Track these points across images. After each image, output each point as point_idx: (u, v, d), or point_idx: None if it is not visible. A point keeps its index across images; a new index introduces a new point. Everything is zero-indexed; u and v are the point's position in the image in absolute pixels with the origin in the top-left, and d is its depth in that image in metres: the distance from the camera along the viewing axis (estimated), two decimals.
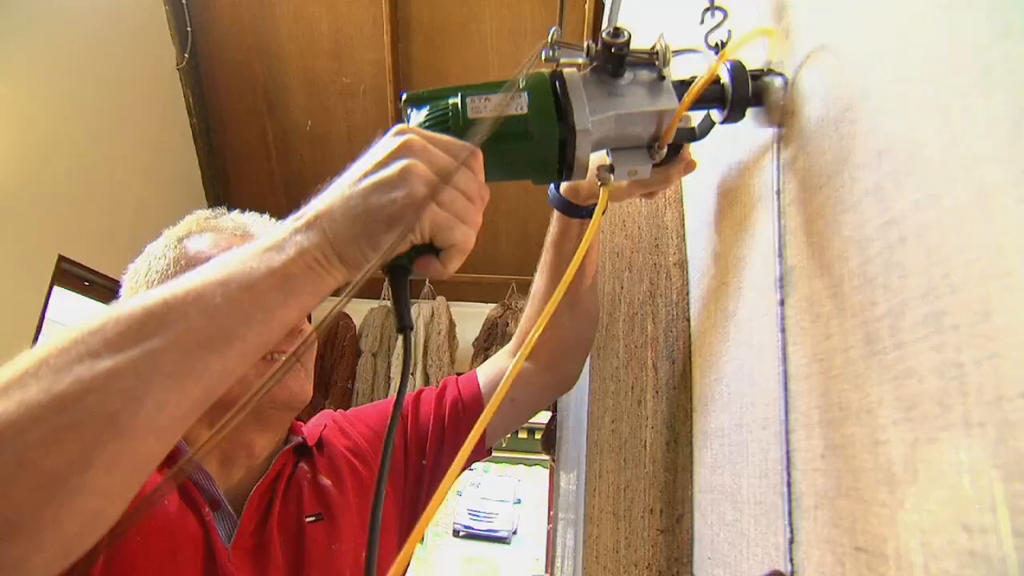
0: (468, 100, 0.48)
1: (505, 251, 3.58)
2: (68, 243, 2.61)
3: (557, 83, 0.49)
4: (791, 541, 0.38)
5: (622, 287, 1.18)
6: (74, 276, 2.73)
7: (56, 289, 2.62)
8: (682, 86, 0.49)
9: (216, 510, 0.65)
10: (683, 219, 0.74)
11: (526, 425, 3.87)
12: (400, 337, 0.39)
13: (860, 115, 0.33)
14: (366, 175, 0.44)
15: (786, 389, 0.40)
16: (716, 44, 0.49)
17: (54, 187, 2.55)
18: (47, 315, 2.58)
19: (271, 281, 0.41)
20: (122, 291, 0.72)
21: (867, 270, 0.31)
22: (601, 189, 0.53)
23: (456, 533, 13.15)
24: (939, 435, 0.26)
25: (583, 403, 1.85)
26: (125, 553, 0.57)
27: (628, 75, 0.49)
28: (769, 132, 0.45)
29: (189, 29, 3.20)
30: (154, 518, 0.59)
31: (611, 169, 0.52)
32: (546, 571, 3.92)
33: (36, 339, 2.53)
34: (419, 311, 3.19)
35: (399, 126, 0.46)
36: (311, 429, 0.82)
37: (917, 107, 0.28)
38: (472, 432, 0.35)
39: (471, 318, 3.35)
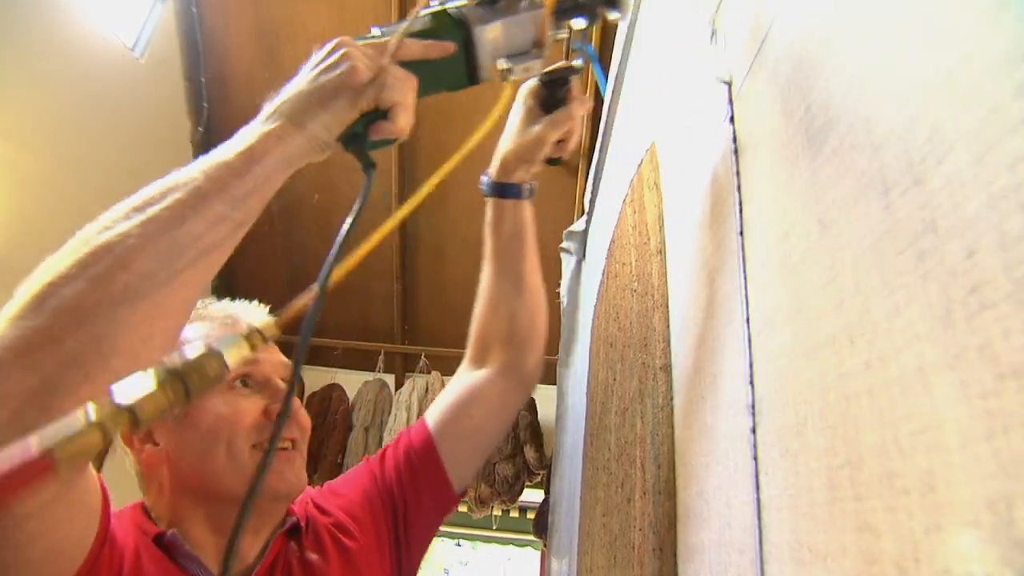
0: (382, 29, 0.61)
1: None
2: None
3: (449, 10, 0.63)
4: None
5: (615, 379, 1.19)
6: None
7: None
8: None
9: None
10: (668, 324, 0.76)
11: (519, 503, 3.78)
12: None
13: (814, 269, 0.35)
14: (311, 69, 0.56)
15: (759, 518, 0.41)
16: None
17: None
18: None
19: (242, 157, 0.51)
20: None
21: (827, 417, 0.33)
22: (507, 87, 0.67)
23: None
24: None
25: (576, 488, 1.82)
26: None
27: (502, 2, 0.63)
28: (738, 262, 0.47)
29: (205, 105, 3.33)
30: None
31: (510, 71, 0.64)
32: None
33: None
34: (414, 385, 3.17)
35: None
36: (297, 506, 0.81)
37: (865, 275, 0.30)
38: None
39: None
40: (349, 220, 0.55)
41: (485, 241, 0.88)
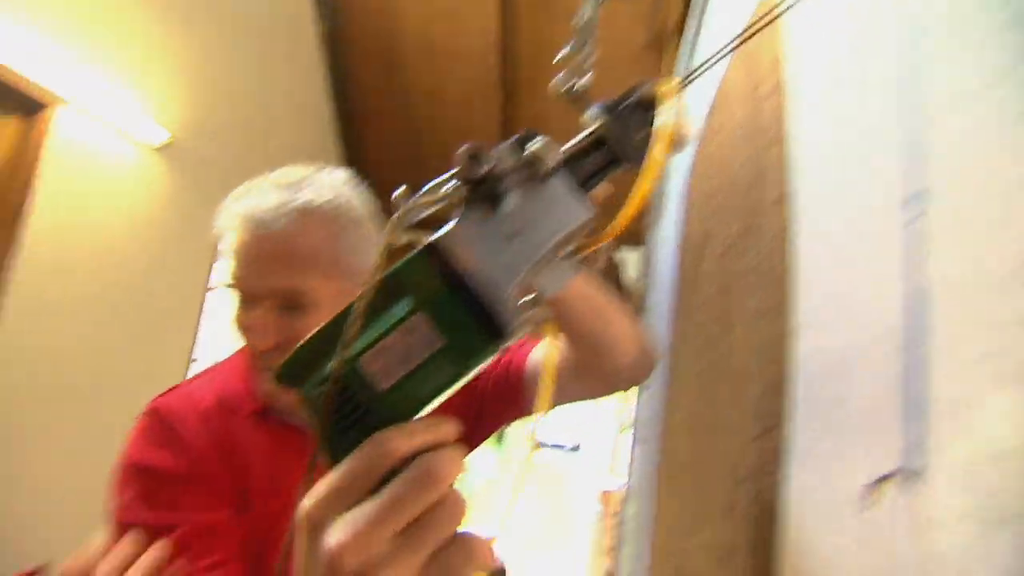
0: (361, 365, 0.29)
1: None
2: (238, 184, 2.75)
3: (445, 273, 0.30)
4: (915, 443, 0.34)
5: (713, 228, 1.12)
6: None
7: None
8: (572, 164, 0.33)
9: None
10: (787, 157, 0.68)
11: None
12: None
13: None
14: None
15: (921, 303, 0.36)
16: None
17: (229, 137, 2.68)
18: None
19: None
20: None
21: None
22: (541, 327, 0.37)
23: None
24: None
25: (662, 332, 1.81)
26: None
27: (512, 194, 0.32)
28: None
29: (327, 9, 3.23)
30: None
31: (538, 300, 0.33)
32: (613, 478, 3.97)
33: (211, 269, 2.73)
34: None
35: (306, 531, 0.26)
36: None
37: None
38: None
39: None
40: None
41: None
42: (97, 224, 2.11)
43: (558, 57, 0.34)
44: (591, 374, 0.64)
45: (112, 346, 2.22)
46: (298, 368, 0.31)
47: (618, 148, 0.33)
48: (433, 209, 0.32)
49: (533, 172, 0.31)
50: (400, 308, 0.30)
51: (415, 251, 0.31)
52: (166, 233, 2.42)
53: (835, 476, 0.45)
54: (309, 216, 0.59)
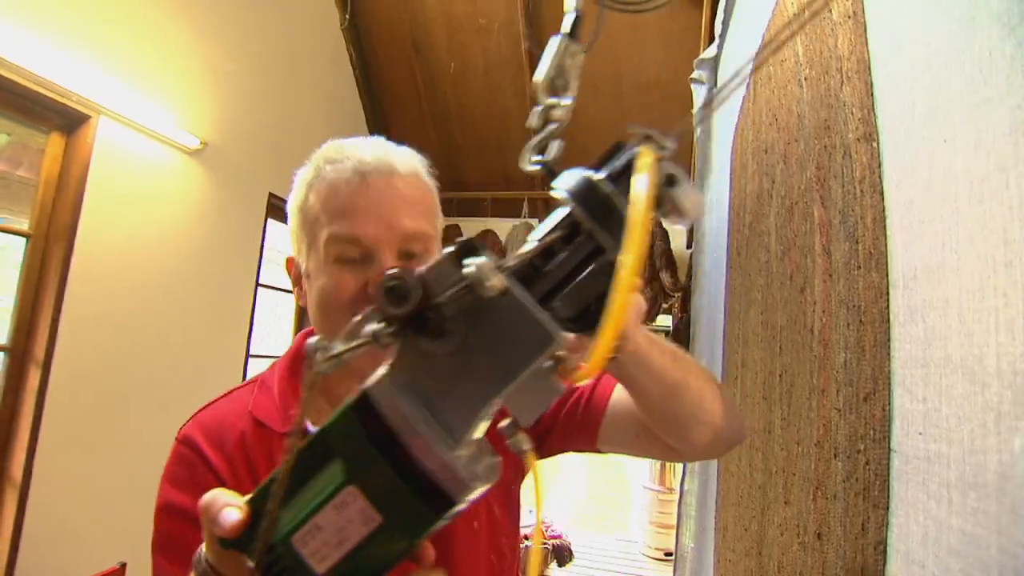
0: (294, 545, 0.26)
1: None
2: (275, 182, 2.80)
3: (375, 434, 0.26)
4: None
5: (773, 182, 1.03)
6: (281, 210, 2.94)
7: (269, 221, 2.85)
8: (535, 271, 0.28)
9: None
10: (870, 88, 0.59)
11: (656, 326, 3.77)
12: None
13: None
14: None
15: None
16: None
17: (261, 137, 2.71)
18: (265, 244, 2.83)
19: None
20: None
21: None
22: (526, 457, 0.30)
23: None
24: None
25: (718, 299, 1.72)
26: None
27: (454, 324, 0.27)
28: None
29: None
30: None
31: (515, 425, 0.29)
32: None
33: (259, 265, 2.78)
34: None
35: None
36: None
37: None
38: None
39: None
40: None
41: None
42: (145, 227, 2.15)
43: (530, 119, 0.29)
44: (663, 446, 0.59)
45: (172, 347, 2.29)
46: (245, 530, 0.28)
47: (601, 234, 0.27)
48: (358, 352, 0.27)
49: (477, 295, 0.26)
50: (329, 478, 0.26)
51: (344, 405, 0.27)
52: (213, 232, 2.47)
53: (965, 452, 0.38)
54: (420, 166, 0.59)
